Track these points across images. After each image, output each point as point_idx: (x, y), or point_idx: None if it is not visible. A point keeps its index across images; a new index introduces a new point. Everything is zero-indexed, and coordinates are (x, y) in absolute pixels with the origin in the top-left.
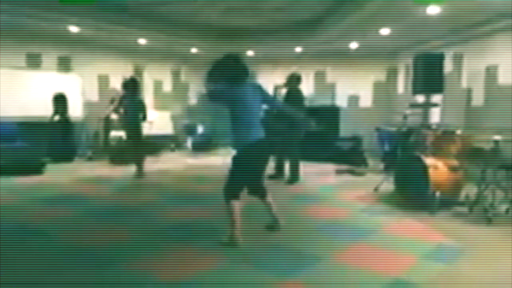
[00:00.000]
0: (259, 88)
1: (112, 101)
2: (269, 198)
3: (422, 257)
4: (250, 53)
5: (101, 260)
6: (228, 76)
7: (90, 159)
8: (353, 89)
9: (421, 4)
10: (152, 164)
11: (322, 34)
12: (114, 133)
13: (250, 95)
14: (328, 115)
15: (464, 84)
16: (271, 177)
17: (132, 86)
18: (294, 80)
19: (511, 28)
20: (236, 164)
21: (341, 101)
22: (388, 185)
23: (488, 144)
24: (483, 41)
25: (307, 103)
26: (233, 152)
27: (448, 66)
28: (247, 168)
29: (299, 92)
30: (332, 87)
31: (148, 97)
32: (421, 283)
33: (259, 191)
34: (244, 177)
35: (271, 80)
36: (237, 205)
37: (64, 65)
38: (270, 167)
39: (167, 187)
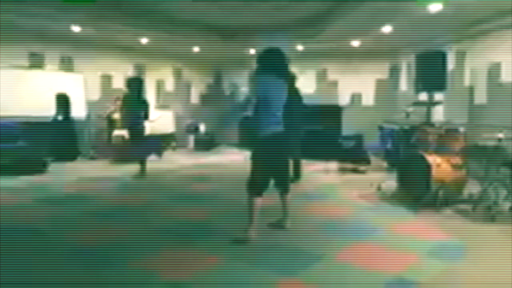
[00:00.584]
0: (286, 86)
1: (116, 100)
2: (288, 197)
3: (425, 255)
4: (252, 51)
5: (102, 260)
6: (265, 68)
7: (92, 158)
8: (355, 87)
9: (423, 3)
10: (154, 163)
11: (323, 32)
12: (116, 132)
13: (276, 89)
14: (330, 113)
15: (467, 82)
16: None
17: (136, 85)
18: (289, 79)
19: None
20: (254, 158)
21: (343, 99)
22: (391, 183)
23: (491, 142)
24: (485, 39)
25: (306, 102)
26: (236, 151)
27: (450, 64)
28: (265, 161)
29: (296, 91)
30: (334, 85)
31: (150, 96)
32: (424, 281)
33: (282, 186)
34: (264, 171)
35: None
36: (258, 202)
37: (67, 64)
38: None
39: (169, 186)
